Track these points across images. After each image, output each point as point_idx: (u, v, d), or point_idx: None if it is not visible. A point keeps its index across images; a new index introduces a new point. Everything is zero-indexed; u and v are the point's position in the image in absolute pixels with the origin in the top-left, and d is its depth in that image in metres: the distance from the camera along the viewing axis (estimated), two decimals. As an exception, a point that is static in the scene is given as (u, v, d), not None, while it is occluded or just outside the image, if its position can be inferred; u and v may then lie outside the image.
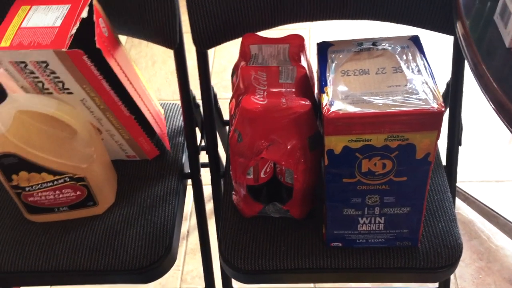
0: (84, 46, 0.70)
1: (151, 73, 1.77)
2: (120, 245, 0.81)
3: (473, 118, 1.50)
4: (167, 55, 1.81)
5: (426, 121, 0.61)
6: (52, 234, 0.83)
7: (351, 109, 0.62)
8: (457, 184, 0.96)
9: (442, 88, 0.94)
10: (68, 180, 0.79)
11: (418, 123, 0.62)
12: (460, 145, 0.93)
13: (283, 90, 0.71)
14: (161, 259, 0.81)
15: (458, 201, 1.32)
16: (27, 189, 0.78)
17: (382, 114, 0.61)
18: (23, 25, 0.72)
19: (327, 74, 0.68)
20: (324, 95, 0.65)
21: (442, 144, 0.93)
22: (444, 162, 0.92)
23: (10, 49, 0.69)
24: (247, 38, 0.78)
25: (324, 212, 0.76)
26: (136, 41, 1.87)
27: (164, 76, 1.75)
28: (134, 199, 0.87)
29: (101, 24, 0.75)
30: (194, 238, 1.33)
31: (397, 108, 0.61)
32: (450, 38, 0.85)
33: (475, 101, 1.46)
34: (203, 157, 0.97)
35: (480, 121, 1.51)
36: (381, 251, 0.77)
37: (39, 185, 0.78)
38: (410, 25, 0.85)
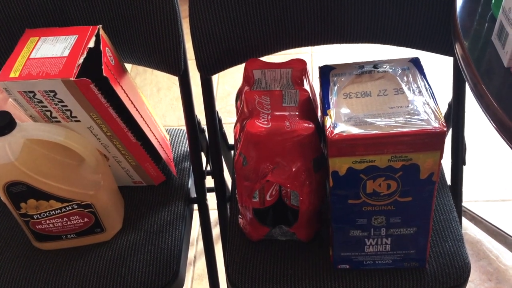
0: (91, 75, 0.72)
1: (156, 99, 1.79)
2: (128, 272, 0.81)
3: (477, 137, 1.51)
4: (172, 81, 1.83)
5: (429, 141, 0.62)
6: (60, 261, 0.83)
7: (354, 130, 0.63)
8: (463, 204, 0.96)
9: (444, 108, 0.95)
10: (76, 207, 0.79)
11: (421, 144, 0.62)
12: (465, 164, 0.93)
13: (287, 113, 0.72)
14: (168, 285, 0.81)
15: (465, 221, 1.31)
16: (35, 217, 0.79)
17: (385, 135, 0.62)
18: (32, 56, 0.74)
19: (330, 97, 0.69)
20: (327, 118, 0.66)
21: (447, 164, 0.94)
22: (449, 182, 0.92)
23: (19, 80, 0.70)
24: (250, 63, 0.80)
25: (331, 234, 0.76)
26: (141, 68, 1.90)
27: (169, 102, 1.77)
28: (141, 225, 0.87)
29: (108, 53, 0.77)
30: (201, 264, 1.32)
31: (399, 129, 0.62)
32: (450, 59, 0.86)
33: (478, 120, 1.47)
34: (209, 181, 0.97)
35: (484, 140, 1.51)
36: (389, 272, 0.77)
37: (47, 213, 0.79)
38: (409, 47, 0.86)
